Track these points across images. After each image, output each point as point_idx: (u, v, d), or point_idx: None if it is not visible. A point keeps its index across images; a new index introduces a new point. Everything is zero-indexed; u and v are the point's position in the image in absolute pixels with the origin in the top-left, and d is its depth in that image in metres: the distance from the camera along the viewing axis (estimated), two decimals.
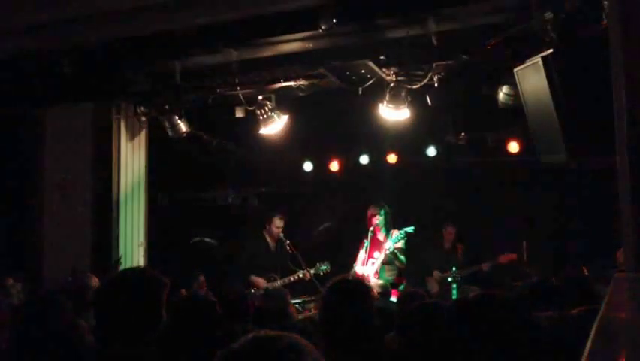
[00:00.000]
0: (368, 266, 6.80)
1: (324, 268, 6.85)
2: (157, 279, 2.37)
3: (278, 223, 7.13)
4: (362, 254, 6.91)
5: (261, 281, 6.84)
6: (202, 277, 6.57)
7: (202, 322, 2.54)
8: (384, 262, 6.75)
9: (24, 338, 2.87)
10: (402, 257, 6.74)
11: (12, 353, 2.85)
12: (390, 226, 6.94)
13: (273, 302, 4.17)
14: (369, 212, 6.92)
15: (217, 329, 2.57)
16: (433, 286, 7.43)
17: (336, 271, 6.82)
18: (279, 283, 6.81)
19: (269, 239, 7.20)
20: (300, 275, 6.82)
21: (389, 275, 6.76)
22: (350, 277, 3.63)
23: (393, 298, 6.39)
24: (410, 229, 6.67)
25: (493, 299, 2.03)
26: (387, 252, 6.65)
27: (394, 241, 6.64)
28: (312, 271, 6.78)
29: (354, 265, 6.95)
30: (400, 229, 6.71)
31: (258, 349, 1.18)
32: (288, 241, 7.01)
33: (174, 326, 2.43)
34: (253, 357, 1.17)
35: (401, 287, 6.75)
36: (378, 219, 6.84)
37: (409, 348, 2.92)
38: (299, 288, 6.87)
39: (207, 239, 8.28)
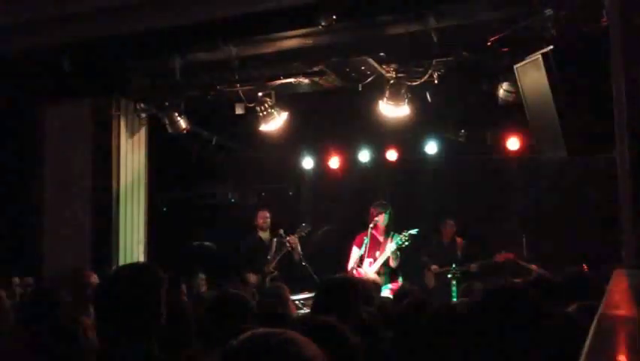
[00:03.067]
0: (365, 265, 6.76)
1: (307, 229, 6.94)
2: (155, 274, 2.37)
3: (262, 215, 7.23)
4: (356, 251, 6.86)
5: (252, 277, 6.88)
6: (202, 275, 6.58)
7: (204, 320, 2.55)
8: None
9: (24, 335, 2.87)
10: (398, 253, 6.70)
11: (13, 351, 2.86)
12: (391, 227, 6.87)
13: (271, 300, 4.16)
14: (372, 211, 6.85)
15: (221, 327, 2.58)
16: (431, 281, 7.43)
17: (335, 270, 6.83)
18: (276, 273, 6.87)
19: (261, 234, 7.26)
20: (287, 246, 6.88)
21: (386, 279, 6.74)
22: (344, 275, 3.65)
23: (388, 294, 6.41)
24: (414, 232, 6.66)
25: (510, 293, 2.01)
26: (391, 254, 6.63)
27: (398, 243, 6.61)
28: (296, 236, 6.86)
29: (349, 263, 6.91)
30: (403, 230, 6.68)
31: (257, 345, 1.19)
32: (288, 238, 7.01)
33: (177, 323, 2.44)
34: (252, 354, 1.18)
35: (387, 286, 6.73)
36: (384, 218, 6.77)
37: (405, 345, 2.93)
38: (300, 284, 6.88)
39: (207, 243, 8.30)
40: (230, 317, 2.66)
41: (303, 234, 7.02)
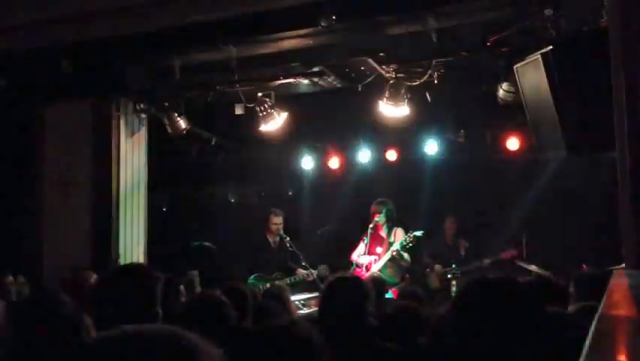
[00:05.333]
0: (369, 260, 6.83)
1: (324, 271, 6.84)
2: (151, 274, 2.38)
3: (275, 220, 7.11)
4: (361, 248, 6.92)
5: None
6: (195, 273, 6.54)
7: (202, 320, 2.55)
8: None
9: (23, 336, 2.87)
10: (406, 256, 6.76)
11: (11, 353, 2.85)
12: (392, 223, 6.94)
13: (272, 300, 4.16)
14: (372, 209, 6.94)
15: (217, 327, 2.58)
16: (434, 281, 7.43)
17: (336, 270, 6.82)
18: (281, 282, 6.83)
19: (269, 237, 7.18)
20: (302, 277, 6.83)
21: (390, 273, 6.76)
22: (349, 275, 3.66)
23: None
24: (419, 233, 6.69)
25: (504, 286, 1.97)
26: (395, 253, 6.67)
27: (402, 243, 6.66)
28: (315, 273, 6.76)
29: (353, 257, 6.96)
30: (409, 231, 6.72)
31: (121, 342, 1.05)
32: (288, 238, 7.00)
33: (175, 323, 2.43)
34: (113, 352, 1.04)
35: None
36: (379, 217, 6.85)
37: (406, 346, 2.93)
38: (301, 285, 6.88)
39: (207, 243, 8.25)
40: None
41: (322, 276, 6.83)
